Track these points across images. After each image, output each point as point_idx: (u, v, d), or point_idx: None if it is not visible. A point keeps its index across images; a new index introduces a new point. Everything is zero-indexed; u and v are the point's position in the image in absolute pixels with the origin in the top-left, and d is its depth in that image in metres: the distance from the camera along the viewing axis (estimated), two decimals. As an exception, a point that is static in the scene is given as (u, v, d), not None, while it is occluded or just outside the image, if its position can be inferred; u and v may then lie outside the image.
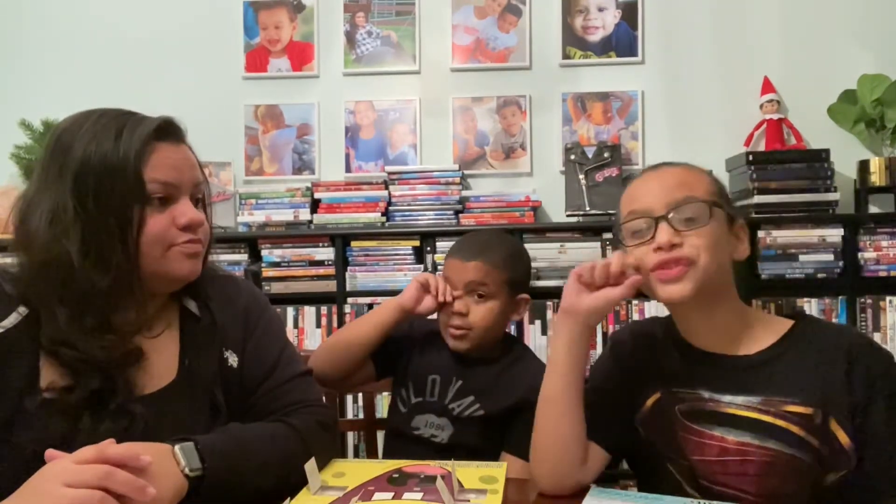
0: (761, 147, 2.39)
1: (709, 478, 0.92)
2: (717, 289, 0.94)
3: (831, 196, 2.16)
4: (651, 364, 1.02)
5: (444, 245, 2.29)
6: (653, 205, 0.94)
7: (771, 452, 0.88)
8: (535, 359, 1.30)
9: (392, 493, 0.86)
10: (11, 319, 0.84)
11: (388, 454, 1.31)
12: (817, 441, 0.87)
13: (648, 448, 1.00)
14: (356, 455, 2.21)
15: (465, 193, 2.37)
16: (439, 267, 2.28)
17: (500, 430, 1.22)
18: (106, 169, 0.84)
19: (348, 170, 2.56)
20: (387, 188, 2.37)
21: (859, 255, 2.15)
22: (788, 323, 0.97)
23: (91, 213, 0.84)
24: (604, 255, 2.22)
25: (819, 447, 0.87)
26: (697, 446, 0.93)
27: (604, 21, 2.50)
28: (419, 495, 0.85)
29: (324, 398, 1.09)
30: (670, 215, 0.92)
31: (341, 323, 2.25)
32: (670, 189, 0.95)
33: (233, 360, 0.98)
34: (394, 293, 1.36)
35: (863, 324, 2.15)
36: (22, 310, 0.85)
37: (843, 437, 0.87)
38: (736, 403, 0.92)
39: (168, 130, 0.91)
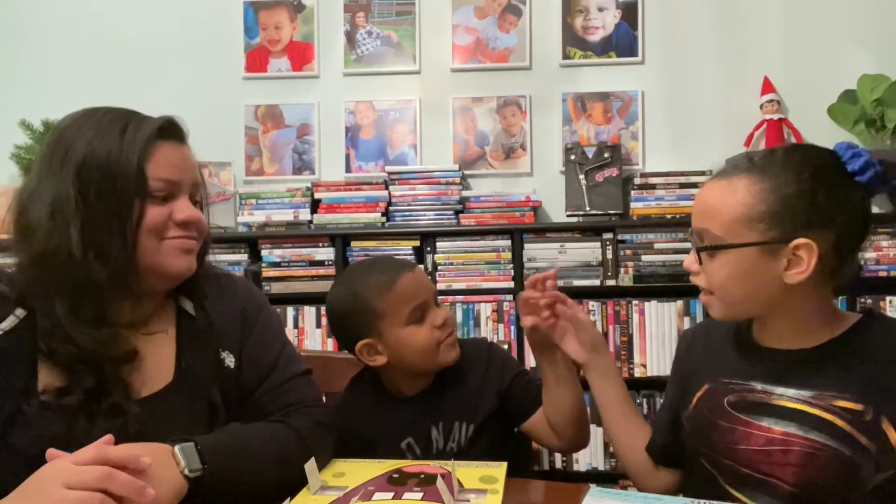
0: (761, 147, 2.38)
1: (752, 466, 0.91)
2: (765, 310, 0.93)
3: (831, 196, 2.16)
4: (704, 360, 1.03)
5: (444, 245, 2.28)
6: (693, 222, 0.94)
7: (814, 444, 0.87)
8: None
9: (392, 493, 0.86)
10: (9, 322, 0.84)
11: None
12: (865, 437, 0.85)
13: (688, 443, 1.01)
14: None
15: (465, 193, 2.37)
16: (439, 267, 2.28)
17: (506, 415, 1.18)
18: (109, 164, 0.85)
19: (348, 170, 2.56)
20: (387, 188, 2.37)
21: (859, 255, 2.15)
22: (853, 320, 0.94)
23: (92, 205, 0.84)
24: (604, 254, 2.22)
25: (866, 444, 0.85)
26: (744, 436, 0.92)
27: (604, 21, 2.50)
28: (419, 495, 0.85)
29: (323, 398, 1.09)
30: (696, 241, 0.93)
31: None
32: (698, 213, 0.94)
33: (230, 360, 0.98)
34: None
35: (863, 324, 2.15)
36: (19, 312, 0.85)
37: (894, 437, 0.85)
38: (787, 396, 0.90)
39: (171, 130, 0.92)
